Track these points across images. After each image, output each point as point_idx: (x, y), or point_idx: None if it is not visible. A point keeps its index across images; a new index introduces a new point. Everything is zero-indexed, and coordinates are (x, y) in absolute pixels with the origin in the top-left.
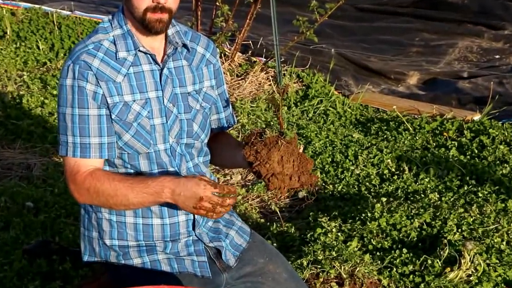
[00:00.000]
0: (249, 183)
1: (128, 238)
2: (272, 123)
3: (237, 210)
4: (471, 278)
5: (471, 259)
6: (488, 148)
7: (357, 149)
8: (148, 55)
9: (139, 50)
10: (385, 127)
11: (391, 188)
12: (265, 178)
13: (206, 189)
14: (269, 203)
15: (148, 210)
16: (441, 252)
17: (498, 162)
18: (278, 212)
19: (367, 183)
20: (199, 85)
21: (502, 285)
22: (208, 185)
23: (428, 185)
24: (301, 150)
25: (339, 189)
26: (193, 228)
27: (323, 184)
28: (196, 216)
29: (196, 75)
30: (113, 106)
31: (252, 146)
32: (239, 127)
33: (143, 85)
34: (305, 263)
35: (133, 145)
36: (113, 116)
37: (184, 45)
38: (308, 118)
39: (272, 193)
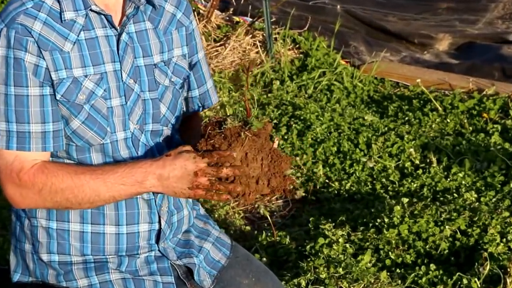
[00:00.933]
0: None
1: (72, 252)
2: (262, 101)
3: (215, 215)
4: None
5: None
6: None
7: (370, 135)
8: (102, 16)
9: (91, 10)
10: (406, 107)
11: (415, 185)
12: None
13: (197, 160)
14: (256, 205)
15: (100, 215)
16: (480, 269)
17: None
18: (269, 218)
19: (384, 179)
20: (168, 54)
21: None
22: (198, 157)
23: (463, 182)
24: (275, 145)
25: (347, 187)
26: (157, 241)
27: (326, 181)
28: (162, 225)
29: (164, 41)
30: (58, 83)
31: (208, 140)
32: (218, 107)
33: (98, 55)
34: (303, 283)
35: (83, 135)
36: (57, 96)
37: (148, 2)
38: (307, 95)
39: (237, 200)
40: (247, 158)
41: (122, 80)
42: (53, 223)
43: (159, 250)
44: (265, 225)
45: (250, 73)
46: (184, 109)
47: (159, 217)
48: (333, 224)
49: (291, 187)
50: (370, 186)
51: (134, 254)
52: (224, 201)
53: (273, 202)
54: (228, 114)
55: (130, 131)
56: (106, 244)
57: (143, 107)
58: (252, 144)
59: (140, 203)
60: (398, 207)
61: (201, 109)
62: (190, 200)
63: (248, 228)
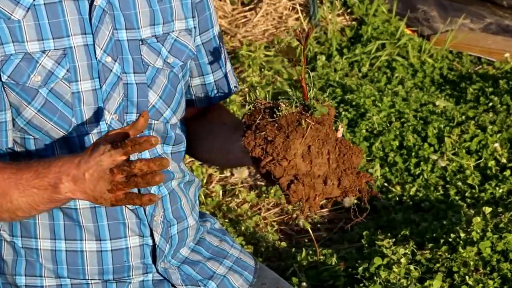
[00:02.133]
0: (262, 183)
1: (44, 274)
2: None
3: (242, 228)
4: None
5: None
6: None
7: (442, 126)
8: None
9: None
10: (490, 89)
11: (500, 191)
12: (282, 184)
13: (114, 154)
14: (295, 215)
15: (76, 228)
16: None
17: None
18: (310, 231)
19: (460, 183)
20: (163, 27)
21: None
22: (113, 150)
23: None
24: (339, 134)
25: (411, 193)
26: (154, 261)
27: (385, 184)
28: (157, 240)
29: (159, 10)
30: (4, 62)
31: (257, 132)
32: (246, 89)
33: (61, 25)
34: None
35: (41, 126)
36: (3, 78)
37: None
38: (360, 74)
39: (298, 207)
40: (311, 152)
41: (96, 58)
42: (18, 239)
43: (158, 272)
44: (306, 240)
45: (307, 41)
46: (200, 97)
47: (151, 229)
48: (393, 239)
49: (368, 186)
50: (441, 192)
51: (125, 278)
52: (147, 204)
53: (316, 211)
54: (279, 98)
55: (106, 123)
56: (86, 265)
57: (124, 93)
58: (315, 135)
59: (125, 212)
60: (478, 219)
61: (219, 99)
62: (196, 207)
63: (283, 244)
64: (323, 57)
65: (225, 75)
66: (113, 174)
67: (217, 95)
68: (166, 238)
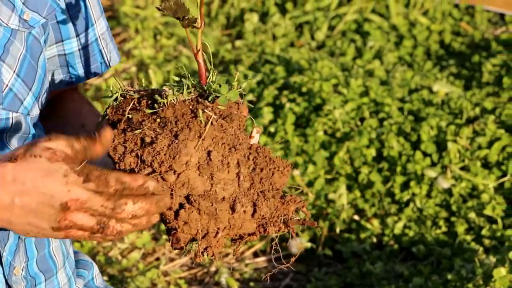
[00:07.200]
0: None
1: None
2: (224, 56)
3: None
4: None
5: None
6: None
7: (444, 124)
8: None
9: None
10: None
11: None
12: (167, 212)
13: (73, 181)
14: (213, 268)
15: None
16: None
17: None
18: None
19: (472, 215)
20: None
21: None
22: (72, 173)
23: None
24: (255, 141)
25: (396, 231)
26: None
27: (355, 218)
28: None
29: None
30: None
31: (128, 131)
32: (133, 69)
33: None
34: None
35: None
36: None
37: None
38: (315, 43)
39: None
40: (211, 162)
41: None
42: None
43: None
44: None
45: None
46: (57, 76)
47: None
48: None
49: (301, 219)
50: (444, 229)
51: None
52: (113, 239)
53: (246, 260)
54: (165, 84)
55: None
56: None
57: None
58: (219, 136)
59: None
60: (503, 271)
61: (83, 78)
62: (71, 253)
63: None
64: (255, 17)
65: (96, 40)
66: (65, 211)
67: (78, 73)
68: None
